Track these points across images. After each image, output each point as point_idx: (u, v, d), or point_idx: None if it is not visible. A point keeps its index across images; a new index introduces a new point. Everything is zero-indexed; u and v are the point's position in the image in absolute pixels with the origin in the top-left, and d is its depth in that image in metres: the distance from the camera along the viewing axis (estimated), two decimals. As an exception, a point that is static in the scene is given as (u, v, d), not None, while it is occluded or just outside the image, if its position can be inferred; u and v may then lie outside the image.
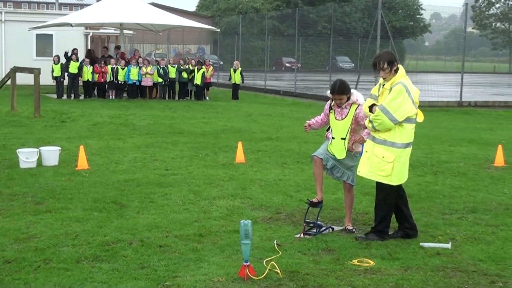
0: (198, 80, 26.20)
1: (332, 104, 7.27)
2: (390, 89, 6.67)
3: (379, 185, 6.86)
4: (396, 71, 6.74)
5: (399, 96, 6.61)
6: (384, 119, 6.60)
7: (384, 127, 6.65)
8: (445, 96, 28.87)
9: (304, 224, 7.04)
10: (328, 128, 7.40)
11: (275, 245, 6.42)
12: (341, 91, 7.08)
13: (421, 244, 6.63)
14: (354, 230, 7.19)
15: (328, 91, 7.29)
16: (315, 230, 7.02)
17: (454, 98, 27.10)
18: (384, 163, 6.70)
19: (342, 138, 7.15)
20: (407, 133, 6.75)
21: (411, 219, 7.00)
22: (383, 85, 6.81)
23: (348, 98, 7.14)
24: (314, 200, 7.24)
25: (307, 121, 7.53)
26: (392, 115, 6.59)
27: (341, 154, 7.14)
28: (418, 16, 78.47)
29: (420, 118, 6.91)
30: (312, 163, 7.41)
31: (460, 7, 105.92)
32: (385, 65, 6.70)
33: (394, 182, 6.76)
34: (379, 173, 6.75)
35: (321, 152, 7.26)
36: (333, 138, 7.24)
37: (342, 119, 7.17)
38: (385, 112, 6.59)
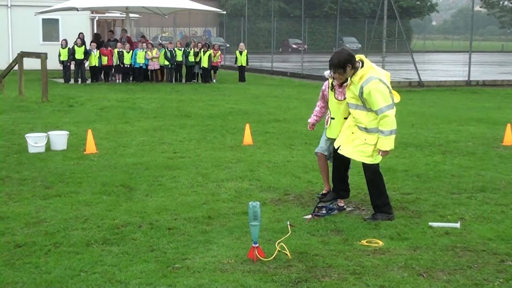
0: (204, 63, 26.15)
1: (333, 83, 7.23)
2: (361, 87, 6.56)
3: (365, 164, 6.90)
4: (355, 67, 6.63)
5: (380, 90, 6.56)
6: (389, 114, 6.58)
7: (393, 120, 6.63)
8: (453, 75, 28.75)
9: (316, 209, 7.04)
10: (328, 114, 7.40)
11: (288, 226, 6.40)
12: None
13: (430, 223, 6.63)
14: (345, 207, 7.30)
15: (325, 72, 7.30)
16: (324, 211, 7.03)
17: (462, 77, 26.98)
18: (366, 146, 6.76)
19: (344, 118, 7.16)
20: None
21: (347, 181, 7.23)
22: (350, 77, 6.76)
23: None
24: (324, 191, 7.38)
25: (309, 121, 7.60)
26: (388, 105, 6.58)
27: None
28: (425, -5, 77.88)
29: (397, 98, 6.89)
30: (316, 158, 7.53)
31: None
32: (337, 69, 6.64)
33: (375, 161, 6.84)
34: (360, 154, 6.80)
35: (324, 147, 7.34)
36: (332, 118, 7.23)
37: (345, 98, 7.15)
38: (384, 111, 6.56)
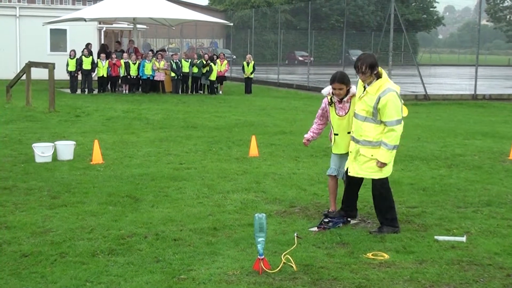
0: (212, 76, 26.26)
1: (333, 99, 7.26)
2: (379, 98, 6.63)
3: (373, 180, 6.91)
4: (377, 75, 6.72)
5: (395, 104, 6.66)
6: (397, 129, 6.67)
7: (399, 136, 6.72)
8: (459, 89, 28.75)
9: (322, 223, 7.04)
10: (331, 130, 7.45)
11: (295, 237, 6.38)
12: (341, 80, 7.08)
13: (435, 237, 6.62)
14: (349, 219, 7.28)
15: (324, 89, 7.36)
16: (330, 224, 7.01)
17: (468, 91, 26.98)
18: (373, 161, 6.78)
19: (348, 133, 7.20)
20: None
21: (355, 203, 7.27)
22: (364, 87, 6.79)
23: (348, 91, 7.16)
24: (330, 210, 7.40)
25: (305, 136, 7.64)
26: (398, 119, 6.67)
27: (348, 147, 7.22)
28: (431, 9, 78.10)
29: (405, 112, 6.93)
30: (328, 178, 7.56)
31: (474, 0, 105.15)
32: (366, 69, 6.67)
33: (384, 175, 6.86)
34: (368, 170, 6.84)
35: (334, 168, 7.40)
36: (336, 134, 7.28)
37: (346, 113, 7.18)
38: (393, 124, 6.64)
